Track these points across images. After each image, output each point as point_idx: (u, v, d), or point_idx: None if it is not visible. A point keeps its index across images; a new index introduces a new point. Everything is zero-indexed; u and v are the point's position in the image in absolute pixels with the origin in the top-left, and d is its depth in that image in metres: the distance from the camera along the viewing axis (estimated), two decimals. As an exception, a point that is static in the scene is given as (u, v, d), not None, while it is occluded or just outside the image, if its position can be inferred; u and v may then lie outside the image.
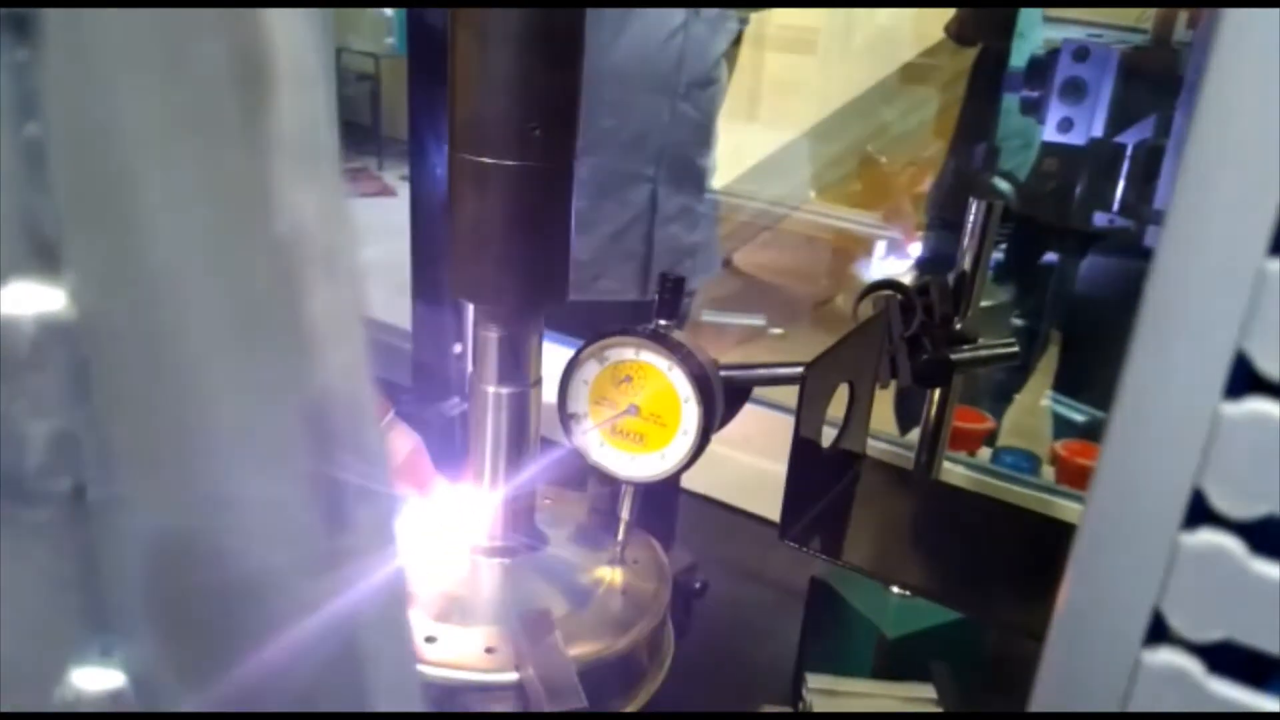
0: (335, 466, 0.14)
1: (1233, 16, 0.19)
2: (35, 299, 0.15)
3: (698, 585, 0.69)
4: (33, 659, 0.17)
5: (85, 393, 0.16)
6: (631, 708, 0.55)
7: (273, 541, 0.16)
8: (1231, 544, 0.20)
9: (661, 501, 0.66)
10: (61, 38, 0.13)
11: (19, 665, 0.17)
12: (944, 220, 1.44)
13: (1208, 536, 0.20)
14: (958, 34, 1.45)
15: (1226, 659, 0.21)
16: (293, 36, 0.12)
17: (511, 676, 0.50)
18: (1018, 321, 1.30)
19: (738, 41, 1.31)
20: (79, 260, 0.15)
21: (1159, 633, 0.21)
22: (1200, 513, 0.20)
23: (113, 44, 0.13)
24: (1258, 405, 0.19)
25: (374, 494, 0.16)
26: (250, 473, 0.15)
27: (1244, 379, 0.20)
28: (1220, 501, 0.20)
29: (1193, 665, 0.21)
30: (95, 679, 0.18)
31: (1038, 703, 0.24)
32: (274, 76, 0.12)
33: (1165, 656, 0.21)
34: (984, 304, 0.65)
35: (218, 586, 0.17)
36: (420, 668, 0.50)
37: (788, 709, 0.57)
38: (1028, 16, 1.37)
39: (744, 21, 1.32)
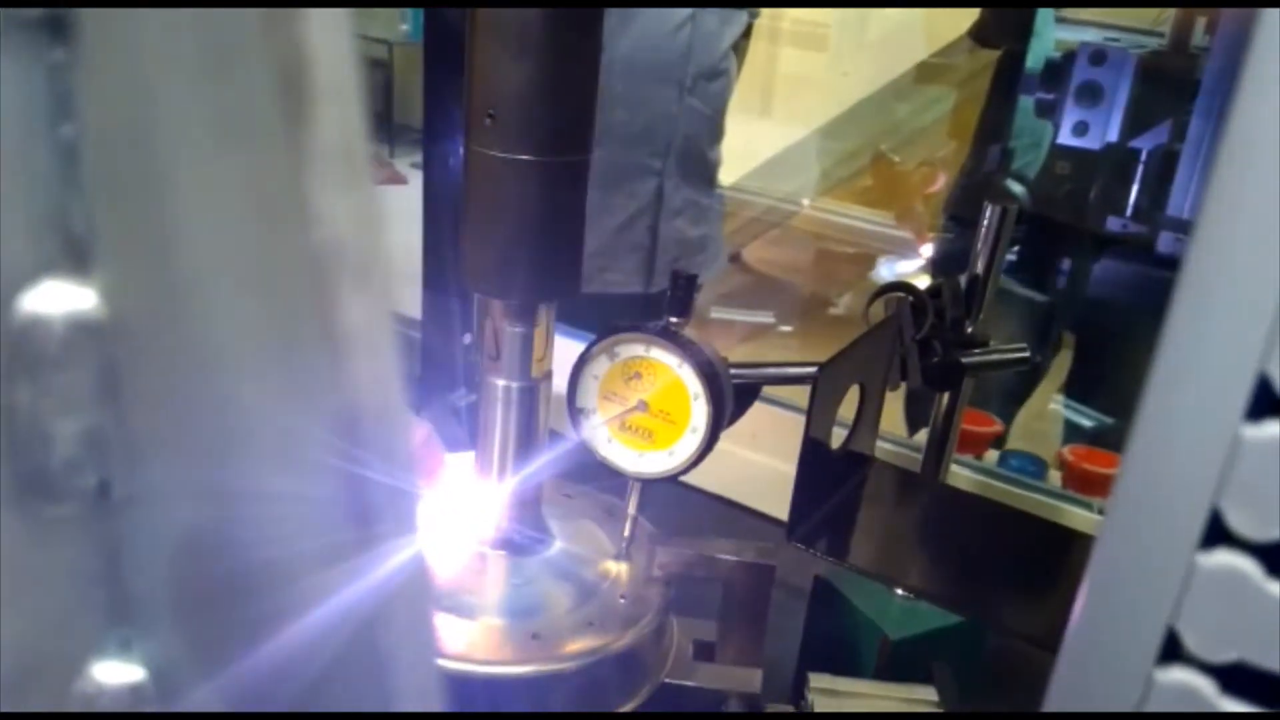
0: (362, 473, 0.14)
1: (1270, 17, 0.19)
2: (65, 298, 0.15)
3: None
4: (55, 652, 0.18)
5: (113, 391, 0.16)
6: (633, 704, 0.55)
7: (295, 541, 0.16)
8: (1248, 565, 0.20)
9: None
10: (101, 40, 0.13)
11: (41, 658, 0.17)
12: (960, 220, 1.44)
13: (1224, 557, 0.20)
14: (979, 36, 1.44)
15: (1240, 680, 0.21)
16: (333, 47, 0.12)
17: (515, 670, 0.50)
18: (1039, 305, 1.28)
19: (748, 34, 1.30)
20: (112, 261, 0.15)
21: (1172, 651, 0.21)
22: (1218, 533, 0.20)
23: (153, 48, 0.13)
24: (1279, 428, 0.19)
25: (399, 494, 0.16)
26: (275, 477, 0.15)
27: (1265, 401, 0.20)
28: (1238, 522, 0.20)
29: (1205, 685, 0.21)
30: (115, 673, 0.18)
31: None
32: (314, 87, 0.12)
33: (1178, 675, 0.21)
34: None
35: (240, 583, 0.17)
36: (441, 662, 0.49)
37: (789, 708, 0.57)
38: (1040, 16, 1.36)
39: (754, 14, 1.32)
